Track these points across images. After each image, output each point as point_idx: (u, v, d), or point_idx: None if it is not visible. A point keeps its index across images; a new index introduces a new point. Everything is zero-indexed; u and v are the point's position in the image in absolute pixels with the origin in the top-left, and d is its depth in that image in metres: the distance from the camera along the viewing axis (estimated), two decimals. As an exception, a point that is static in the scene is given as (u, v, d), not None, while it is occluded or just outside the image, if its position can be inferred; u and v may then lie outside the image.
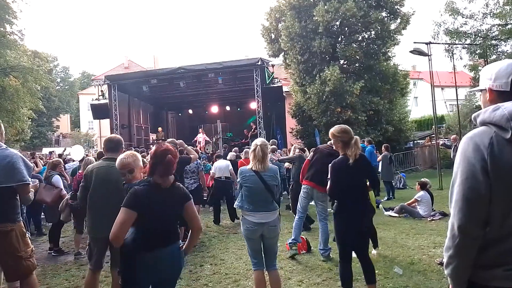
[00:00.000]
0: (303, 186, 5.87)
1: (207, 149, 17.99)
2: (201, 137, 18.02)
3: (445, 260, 1.56)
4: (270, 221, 3.75)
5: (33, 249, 3.62)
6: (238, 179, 3.91)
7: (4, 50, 18.25)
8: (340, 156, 3.91)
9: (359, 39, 17.47)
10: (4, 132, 3.66)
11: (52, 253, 6.56)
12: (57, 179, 6.68)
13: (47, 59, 37.74)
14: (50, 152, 18.48)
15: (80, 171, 6.15)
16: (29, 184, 3.43)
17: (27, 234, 3.58)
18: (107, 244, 3.58)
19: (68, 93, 49.91)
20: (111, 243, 2.67)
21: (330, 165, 3.89)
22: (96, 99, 18.29)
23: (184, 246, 2.86)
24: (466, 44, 18.11)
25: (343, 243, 3.87)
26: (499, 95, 1.54)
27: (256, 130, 17.70)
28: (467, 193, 1.44)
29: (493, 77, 1.57)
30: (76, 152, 13.26)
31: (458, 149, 1.54)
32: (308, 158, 5.88)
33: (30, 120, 23.71)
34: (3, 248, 3.27)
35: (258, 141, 3.91)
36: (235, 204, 4.01)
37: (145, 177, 2.96)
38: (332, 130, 3.97)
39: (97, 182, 3.79)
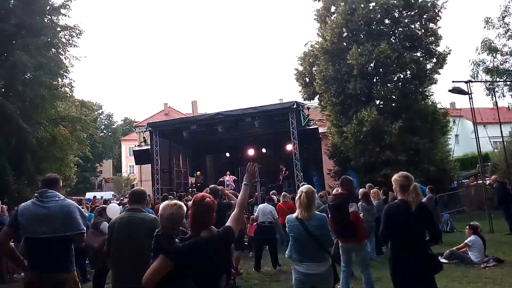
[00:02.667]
0: (339, 242, 5.66)
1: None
2: (228, 179, 18.24)
3: None
4: (319, 272, 3.64)
5: None
6: (286, 228, 3.87)
7: (56, 102, 19.56)
8: (396, 201, 3.77)
9: (395, 79, 17.42)
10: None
11: (98, 300, 6.64)
12: (105, 225, 6.88)
13: (93, 108, 40.09)
14: (94, 197, 19.20)
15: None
16: (85, 233, 3.59)
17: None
18: None
19: (111, 139, 52.38)
20: None
21: (384, 208, 3.79)
22: (139, 145, 19.06)
23: None
24: (508, 81, 17.63)
25: None
26: None
27: (287, 173, 17.68)
28: None
29: None
30: (112, 213, 13.15)
31: None
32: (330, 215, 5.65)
33: (76, 166, 24.88)
34: None
35: (304, 187, 3.87)
36: (286, 253, 3.95)
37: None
38: (394, 176, 3.83)
39: (119, 233, 3.78)
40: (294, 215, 3.80)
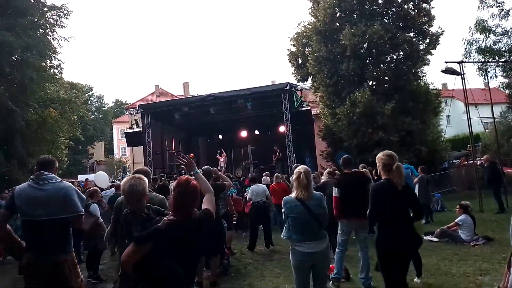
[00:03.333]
0: (340, 222, 5.62)
1: (237, 173, 18.16)
2: (222, 160, 18.34)
3: None
4: (319, 250, 3.69)
5: (82, 279, 3.74)
6: (283, 209, 3.85)
7: (45, 83, 19.23)
8: (381, 181, 3.83)
9: (388, 60, 17.35)
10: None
11: (92, 281, 6.69)
12: (94, 207, 6.92)
13: (83, 89, 39.53)
14: (86, 179, 19.08)
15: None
16: (83, 215, 3.56)
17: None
18: None
19: (102, 121, 51.86)
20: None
21: (371, 188, 3.82)
22: (130, 128, 18.89)
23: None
24: (500, 61, 17.64)
25: (388, 273, 3.71)
26: None
27: (280, 154, 17.74)
28: None
29: None
30: (100, 180, 13.17)
31: None
32: (335, 195, 5.56)
33: (67, 148, 24.67)
34: (57, 278, 3.38)
35: (301, 167, 3.88)
36: (282, 235, 3.95)
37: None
38: (378, 154, 3.90)
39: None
40: (293, 195, 3.80)
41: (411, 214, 3.85)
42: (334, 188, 5.63)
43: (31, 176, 3.65)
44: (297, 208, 3.70)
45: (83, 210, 3.57)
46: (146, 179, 3.00)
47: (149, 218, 2.74)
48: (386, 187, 3.72)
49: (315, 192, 3.88)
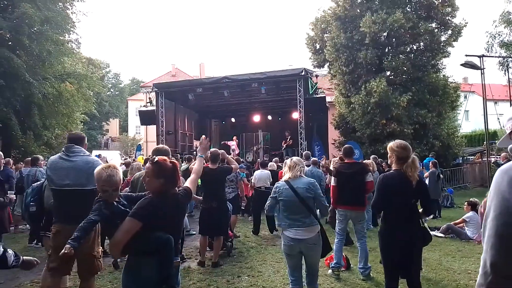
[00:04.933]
0: (338, 210, 5.66)
1: (247, 158, 18.20)
2: (234, 144, 18.37)
3: None
4: (308, 238, 3.67)
5: (102, 250, 3.96)
6: (273, 194, 3.87)
7: (62, 57, 19.44)
8: (391, 171, 3.73)
9: (407, 50, 16.94)
10: (61, 136, 4.07)
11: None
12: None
13: (100, 66, 39.82)
14: (98, 155, 19.40)
15: (128, 177, 6.34)
16: None
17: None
18: None
19: (118, 98, 52.27)
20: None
21: (379, 178, 3.73)
22: (144, 106, 19.02)
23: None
24: (523, 57, 17.13)
25: (389, 267, 3.65)
26: None
27: (291, 141, 17.66)
28: (501, 230, 1.38)
29: (511, 116, 1.55)
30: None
31: (492, 182, 1.48)
32: (332, 184, 5.62)
33: (82, 123, 25.06)
34: (83, 247, 3.50)
35: (294, 158, 3.99)
36: (276, 223, 4.02)
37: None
38: (390, 144, 3.76)
39: (142, 189, 3.89)
40: (283, 179, 3.86)
41: (420, 210, 3.75)
42: (332, 177, 5.65)
43: (62, 149, 3.90)
44: (286, 191, 3.74)
45: None
46: (120, 169, 3.06)
47: (121, 203, 2.80)
48: (397, 178, 3.59)
49: (305, 177, 3.88)
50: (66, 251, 2.41)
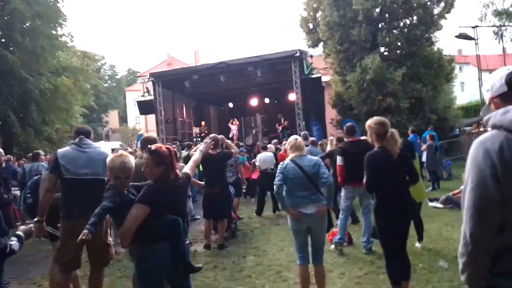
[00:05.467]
0: (345, 188, 5.71)
1: (247, 141, 18.32)
2: (235, 129, 18.50)
3: (460, 267, 1.53)
4: (316, 213, 3.78)
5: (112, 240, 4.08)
6: (280, 172, 3.92)
7: (56, 52, 19.38)
8: (375, 149, 3.79)
9: (401, 25, 16.87)
10: (62, 130, 4.18)
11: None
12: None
13: (95, 58, 39.54)
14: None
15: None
16: None
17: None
18: None
19: (115, 90, 52.10)
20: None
21: (365, 158, 3.77)
22: (142, 96, 19.02)
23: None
24: (517, 24, 17.01)
25: (386, 241, 3.76)
26: (503, 100, 1.51)
27: (286, 122, 17.72)
28: (478, 201, 1.40)
29: (490, 86, 1.56)
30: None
31: (469, 154, 1.49)
32: (338, 163, 5.62)
33: (82, 116, 25.09)
34: (98, 236, 3.63)
35: (296, 136, 4.11)
36: (281, 205, 4.10)
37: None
38: (368, 122, 3.84)
39: (135, 179, 3.96)
40: (288, 158, 3.95)
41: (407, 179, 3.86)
42: (338, 156, 5.73)
43: (71, 142, 4.02)
44: (293, 169, 3.83)
45: None
46: (133, 159, 3.14)
47: (130, 192, 2.89)
48: (380, 155, 3.69)
49: (310, 156, 4.00)
50: (83, 237, 2.44)
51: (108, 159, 2.96)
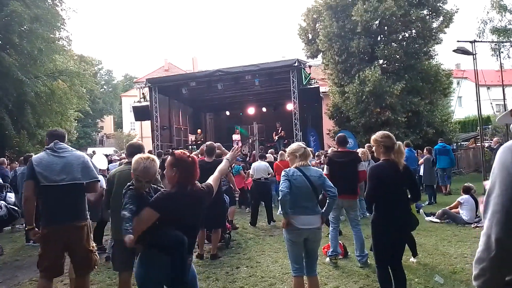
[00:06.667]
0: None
1: (243, 150, 18.20)
2: (238, 137, 18.42)
3: (475, 272, 1.49)
4: (315, 224, 3.73)
5: (95, 245, 3.98)
6: (286, 179, 3.74)
7: (53, 55, 19.27)
8: (381, 161, 3.80)
9: (399, 38, 16.98)
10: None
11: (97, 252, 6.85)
12: (100, 179, 7.00)
13: (92, 62, 39.53)
14: (94, 152, 19.32)
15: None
16: (99, 181, 3.83)
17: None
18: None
19: (111, 95, 51.98)
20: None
21: (369, 168, 3.79)
22: (138, 102, 18.92)
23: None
24: (514, 41, 17.17)
25: (381, 253, 3.73)
26: None
27: (282, 132, 17.66)
28: (508, 205, 1.37)
29: None
30: (99, 162, 13.42)
31: (495, 159, 1.46)
32: (324, 172, 5.36)
33: (76, 121, 24.91)
34: (78, 242, 3.61)
35: (301, 144, 4.03)
36: (278, 211, 4.01)
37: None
38: (374, 136, 3.85)
39: (118, 186, 3.70)
40: (294, 166, 3.82)
41: (409, 196, 3.87)
42: (324, 165, 5.69)
43: (45, 147, 3.80)
44: (299, 178, 3.72)
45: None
46: (158, 161, 3.06)
47: (150, 195, 2.85)
48: (386, 168, 3.69)
49: (314, 167, 3.95)
50: (128, 242, 2.49)
51: (134, 159, 2.89)
